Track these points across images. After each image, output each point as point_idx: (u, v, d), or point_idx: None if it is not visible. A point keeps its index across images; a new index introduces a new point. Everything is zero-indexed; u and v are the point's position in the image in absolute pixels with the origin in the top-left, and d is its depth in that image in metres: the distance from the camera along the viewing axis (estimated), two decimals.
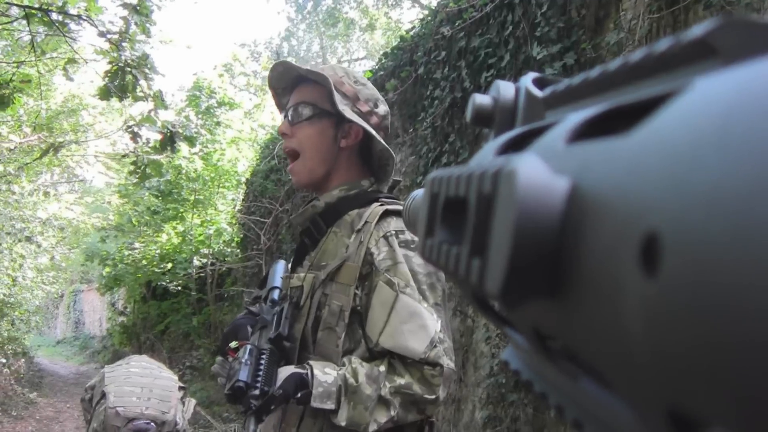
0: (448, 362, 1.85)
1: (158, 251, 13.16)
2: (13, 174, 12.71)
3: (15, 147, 12.58)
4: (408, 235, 1.96)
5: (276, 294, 2.12)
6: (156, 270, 13.07)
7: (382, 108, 2.10)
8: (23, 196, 13.89)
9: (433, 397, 1.85)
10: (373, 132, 2.01)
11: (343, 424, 1.81)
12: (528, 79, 0.41)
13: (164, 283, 13.03)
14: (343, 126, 2.03)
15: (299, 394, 1.78)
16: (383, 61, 6.81)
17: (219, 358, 1.93)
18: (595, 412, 0.26)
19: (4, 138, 12.28)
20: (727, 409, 0.16)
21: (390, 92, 6.14)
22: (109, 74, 5.58)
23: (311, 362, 1.85)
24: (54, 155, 11.86)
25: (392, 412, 1.83)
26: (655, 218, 0.18)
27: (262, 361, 1.81)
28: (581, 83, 0.31)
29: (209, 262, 12.08)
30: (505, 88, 0.42)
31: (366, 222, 1.97)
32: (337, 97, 1.97)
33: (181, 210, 13.03)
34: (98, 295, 22.05)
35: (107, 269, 15.14)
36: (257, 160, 11.51)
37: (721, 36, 0.21)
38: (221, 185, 12.80)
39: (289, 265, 2.26)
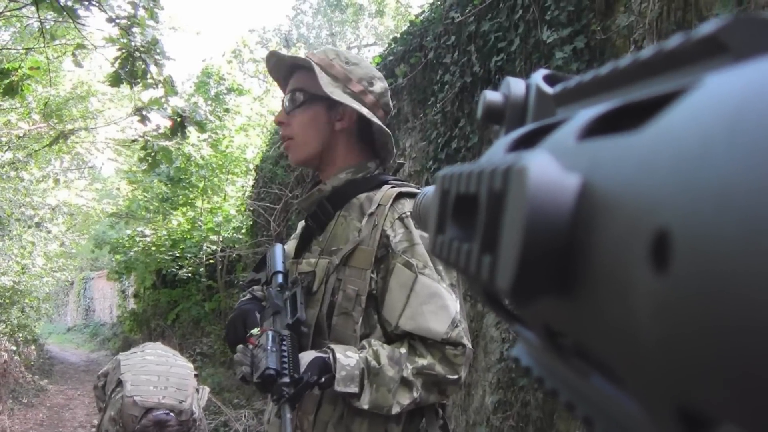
0: (467, 343, 1.85)
1: (168, 238, 13.19)
2: (23, 161, 12.75)
3: (24, 134, 12.60)
4: None
5: (280, 278, 2.09)
6: (166, 257, 13.10)
7: (379, 85, 2.08)
8: (32, 183, 13.92)
9: (456, 377, 1.84)
10: (366, 111, 1.99)
11: (365, 407, 1.81)
12: (538, 76, 0.41)
13: (174, 270, 13.07)
14: (336, 109, 2.03)
15: (323, 379, 1.76)
16: (392, 46, 6.79)
17: (240, 346, 1.89)
18: (606, 409, 0.26)
19: (14, 125, 12.30)
20: (737, 406, 0.16)
21: (400, 77, 6.13)
22: (119, 60, 5.58)
23: (332, 346, 1.84)
24: (64, 142, 11.89)
25: (415, 394, 1.83)
26: (665, 215, 0.18)
27: (285, 347, 1.79)
28: (591, 80, 0.31)
29: (219, 249, 12.10)
30: (516, 85, 0.42)
31: (379, 205, 1.96)
32: (326, 80, 1.96)
33: (191, 197, 13.05)
34: (108, 282, 22.15)
35: (117, 257, 15.19)
36: (266, 146, 11.52)
37: (732, 33, 0.21)
38: (230, 172, 12.81)
39: (286, 247, 2.25)
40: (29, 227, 14.34)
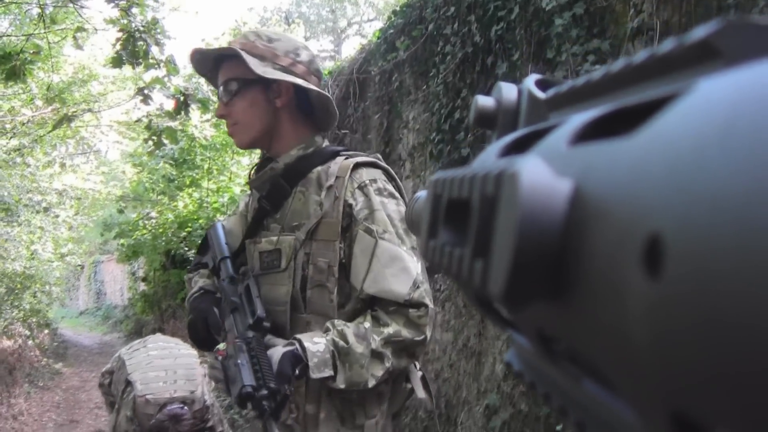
0: (429, 303, 1.90)
1: (175, 220, 13.22)
2: (28, 147, 12.78)
3: (28, 120, 12.62)
4: (381, 183, 2.00)
5: (230, 266, 2.13)
6: (174, 238, 13.14)
7: (305, 54, 2.10)
8: (38, 169, 13.96)
9: (422, 338, 1.89)
10: (301, 81, 2.01)
11: (342, 386, 1.85)
12: (530, 81, 0.41)
13: (183, 251, 13.11)
14: (271, 87, 2.04)
15: (297, 371, 1.79)
16: (393, 19, 6.79)
17: (210, 361, 1.93)
18: (599, 415, 0.26)
19: (17, 112, 12.33)
20: (730, 412, 0.16)
21: (401, 50, 6.14)
22: (120, 41, 5.59)
23: (298, 336, 1.86)
24: (68, 126, 11.89)
25: (387, 364, 1.87)
26: (658, 220, 0.18)
27: (254, 354, 1.81)
28: (584, 85, 0.31)
29: None
30: (508, 90, 0.42)
31: (337, 177, 1.99)
32: (254, 62, 1.98)
33: (197, 177, 13.08)
34: (118, 265, 22.22)
35: (123, 241, 15.25)
36: None
37: (724, 37, 0.21)
38: (235, 152, 12.82)
39: (227, 225, 2.28)
40: (37, 212, 14.37)
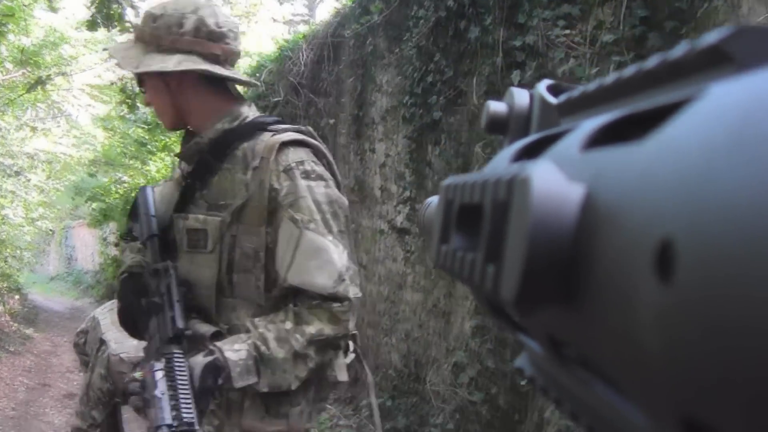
0: (355, 292, 1.88)
1: (147, 183, 13.21)
2: None
3: None
4: (309, 165, 1.94)
5: (156, 248, 2.06)
6: None
7: (190, 22, 1.99)
8: (9, 132, 13.86)
9: (344, 333, 1.88)
10: (172, 64, 1.95)
11: (265, 390, 1.84)
12: (542, 86, 0.41)
13: None
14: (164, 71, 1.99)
15: (220, 382, 1.77)
16: None
17: (131, 384, 1.83)
18: (610, 420, 0.26)
19: None
20: (742, 418, 0.16)
21: (375, 14, 6.16)
22: (94, 4, 5.58)
23: (218, 344, 1.82)
24: (41, 89, 11.84)
25: (310, 364, 1.86)
26: (669, 225, 0.18)
27: (174, 383, 1.74)
28: (595, 90, 0.31)
29: None
30: (520, 96, 0.42)
31: (262, 158, 1.93)
32: (132, 55, 1.99)
33: (169, 141, 13.06)
34: (89, 230, 22.14)
35: (95, 204, 15.21)
36: (244, 89, 11.48)
37: (735, 43, 0.21)
38: None
39: (158, 191, 2.24)
40: (8, 176, 14.31)
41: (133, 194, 13.24)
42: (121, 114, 7.47)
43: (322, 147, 2.05)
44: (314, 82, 7.97)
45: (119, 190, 13.90)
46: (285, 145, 1.95)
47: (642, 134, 0.22)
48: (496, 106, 0.43)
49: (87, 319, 4.19)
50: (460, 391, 4.71)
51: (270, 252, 1.92)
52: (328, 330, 1.84)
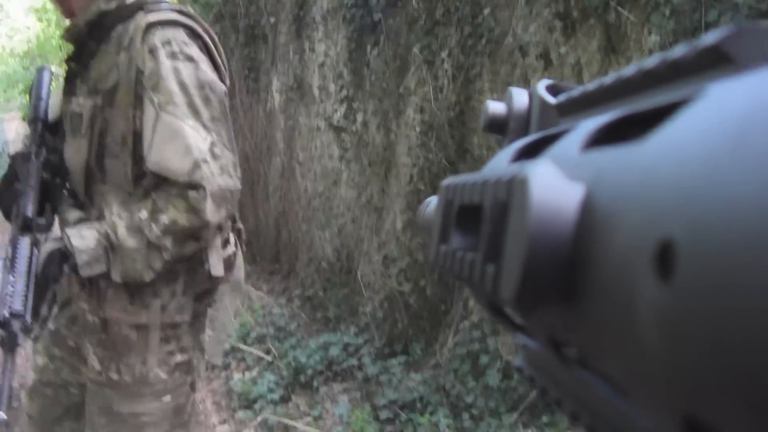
0: (221, 181, 1.81)
1: None
2: None
3: None
4: (177, 46, 1.85)
5: (36, 133, 2.04)
6: None
7: None
8: None
9: (203, 222, 1.80)
10: None
11: (119, 280, 1.81)
12: (541, 86, 0.41)
13: None
14: None
15: (66, 270, 1.76)
16: None
17: None
18: (610, 419, 0.26)
19: None
20: (743, 418, 0.16)
21: None
22: None
23: (68, 231, 1.79)
24: None
25: (166, 256, 1.81)
26: (669, 225, 0.18)
27: (16, 270, 1.73)
28: (595, 90, 0.31)
29: None
30: (519, 95, 0.42)
31: (131, 38, 1.85)
32: None
33: None
34: (22, 123, 21.72)
35: (29, 97, 14.97)
36: None
37: (735, 43, 0.21)
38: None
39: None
40: None
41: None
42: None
43: (199, 28, 1.93)
44: None
45: (53, 83, 13.68)
46: (153, 25, 1.85)
47: (642, 134, 0.22)
48: (495, 107, 0.43)
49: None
50: (389, 282, 4.89)
51: (138, 137, 1.85)
52: (182, 220, 1.78)
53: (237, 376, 4.96)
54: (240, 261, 2.18)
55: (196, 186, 1.76)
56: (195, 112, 1.80)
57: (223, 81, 1.95)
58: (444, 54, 4.51)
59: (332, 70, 6.29)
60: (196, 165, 1.76)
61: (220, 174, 1.80)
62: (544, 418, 3.34)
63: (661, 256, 0.18)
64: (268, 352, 5.10)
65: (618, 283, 0.20)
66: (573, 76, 3.53)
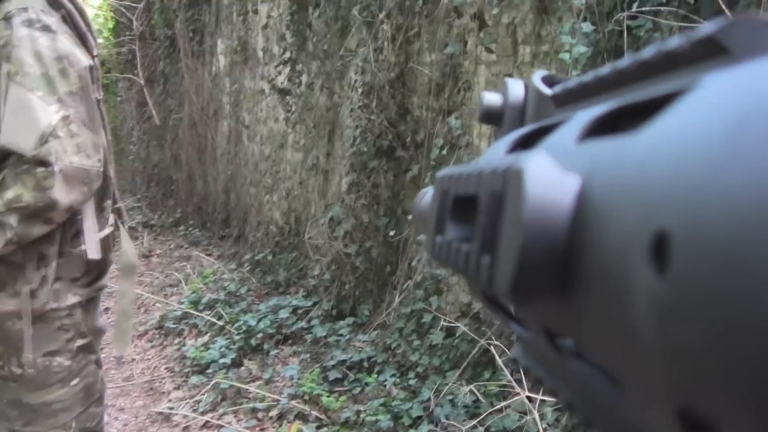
0: (75, 160, 1.72)
1: None
2: None
3: None
4: (33, 14, 1.75)
5: None
6: None
7: None
8: None
9: (49, 202, 1.71)
10: None
11: None
12: (537, 77, 0.40)
13: None
14: None
15: None
16: None
17: None
18: (606, 411, 0.26)
19: None
20: (739, 409, 0.16)
21: None
22: None
23: None
24: None
25: (9, 234, 1.70)
26: (664, 216, 0.18)
27: None
28: (590, 81, 0.31)
29: None
30: (514, 86, 0.42)
31: None
32: None
33: None
34: None
35: None
36: None
37: (730, 34, 0.21)
38: None
39: None
40: None
41: None
42: None
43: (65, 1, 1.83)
44: None
45: None
46: None
47: (637, 125, 0.22)
48: (491, 97, 0.43)
49: None
50: (335, 244, 4.96)
51: None
52: (27, 197, 1.68)
53: (190, 342, 5.00)
54: (126, 243, 2.11)
55: (44, 162, 1.68)
56: (49, 84, 1.70)
57: (92, 55, 1.88)
58: (383, 15, 4.51)
59: (275, 31, 6.29)
60: (42, 139, 1.67)
61: (75, 153, 1.72)
62: (486, 375, 3.42)
63: (656, 247, 0.18)
64: (219, 317, 5.13)
65: (613, 275, 0.20)
66: (507, 35, 3.57)
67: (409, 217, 4.03)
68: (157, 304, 5.76)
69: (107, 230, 1.99)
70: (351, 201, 4.91)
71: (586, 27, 2.81)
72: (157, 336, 5.29)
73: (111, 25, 11.56)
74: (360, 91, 4.79)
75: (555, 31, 3.14)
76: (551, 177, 0.23)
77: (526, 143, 0.35)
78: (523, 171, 0.24)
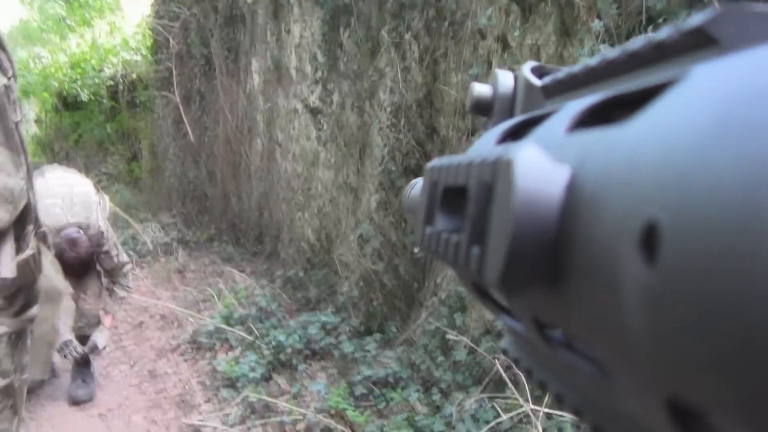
0: None
1: (67, 59, 13.09)
2: None
3: None
4: None
5: None
6: (66, 79, 13.06)
7: None
8: None
9: None
10: None
11: None
12: (527, 68, 0.40)
13: (75, 92, 13.06)
14: None
15: None
16: None
17: None
18: (595, 401, 0.26)
19: None
20: (726, 397, 0.16)
21: None
22: None
23: None
24: None
25: None
26: (654, 207, 0.18)
27: None
28: (580, 72, 0.31)
29: (119, 71, 12.11)
30: (504, 77, 0.42)
31: None
32: None
33: (88, 17, 12.90)
34: None
35: None
36: None
37: (719, 25, 0.21)
38: None
39: None
40: None
41: (52, 70, 13.15)
42: None
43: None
44: None
45: (38, 66, 13.73)
46: None
47: (627, 116, 0.22)
48: (481, 88, 0.43)
49: None
50: (364, 261, 5.00)
51: None
52: None
53: (221, 356, 5.07)
54: (49, 268, 2.05)
55: None
56: None
57: (7, 76, 1.84)
58: (410, 36, 4.58)
59: (307, 51, 6.36)
60: None
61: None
62: (508, 392, 3.46)
63: (645, 238, 0.18)
64: (250, 332, 5.21)
65: (603, 265, 0.20)
66: (531, 56, 3.62)
67: None
68: (190, 319, 5.83)
69: (28, 252, 1.89)
70: (379, 219, 4.93)
71: (605, 49, 2.85)
72: (189, 350, 5.34)
73: (149, 43, 11.75)
74: (388, 110, 4.81)
75: (576, 52, 3.19)
76: (541, 168, 0.24)
77: (515, 134, 0.35)
78: (513, 162, 0.24)
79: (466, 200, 0.29)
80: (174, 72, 9.66)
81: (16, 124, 1.82)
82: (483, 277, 0.25)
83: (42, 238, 2.01)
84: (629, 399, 0.22)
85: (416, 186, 0.55)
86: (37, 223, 1.98)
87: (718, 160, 0.16)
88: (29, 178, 1.84)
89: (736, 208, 0.15)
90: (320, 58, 5.97)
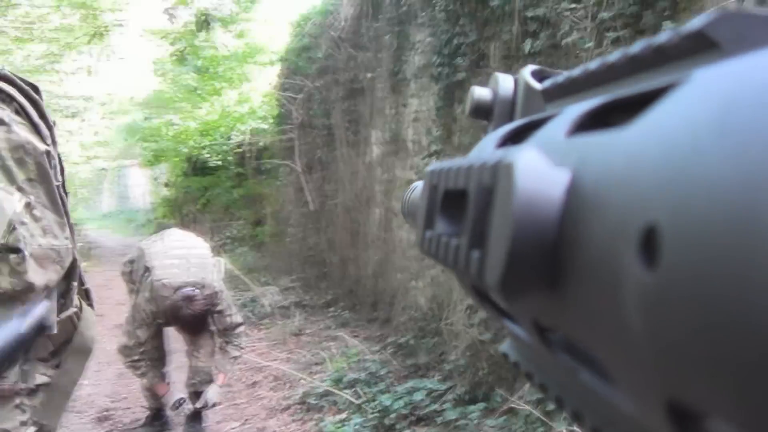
0: (43, 242, 1.77)
1: (197, 126, 13.65)
2: (57, 53, 13.15)
3: (57, 27, 12.95)
4: None
5: None
6: (196, 145, 13.63)
7: None
8: (67, 75, 14.35)
9: (25, 285, 1.73)
10: None
11: None
12: (527, 72, 0.40)
13: (204, 158, 13.61)
14: None
15: None
16: None
17: None
18: (595, 404, 0.26)
19: (46, 19, 12.65)
20: (726, 400, 0.16)
21: None
22: None
23: None
24: (100, 39, 12.22)
25: None
26: (654, 210, 0.18)
27: None
28: (580, 76, 0.31)
29: (247, 138, 12.57)
30: (504, 81, 0.42)
31: None
32: None
33: (219, 87, 13.46)
34: (141, 169, 22.76)
35: (146, 145, 15.77)
36: (291, 38, 11.83)
37: (719, 28, 0.21)
38: (255, 61, 13.18)
39: None
40: (66, 117, 14.79)
41: (183, 136, 13.73)
42: (173, 60, 7.84)
43: (13, 90, 1.86)
44: (355, 36, 8.26)
45: (170, 132, 14.37)
46: None
47: (627, 119, 0.22)
48: (481, 92, 0.43)
49: (133, 249, 4.79)
50: (471, 331, 5.07)
51: None
52: (5, 283, 1.70)
53: (328, 418, 5.18)
54: (89, 323, 2.10)
55: (14, 249, 1.70)
56: (7, 174, 1.74)
57: (46, 143, 1.89)
58: None
59: (424, 125, 6.51)
60: (11, 226, 1.70)
61: (42, 235, 1.77)
62: None
63: (645, 241, 0.18)
64: (358, 396, 5.31)
65: (603, 269, 0.20)
66: None
67: None
68: (302, 381, 5.96)
69: (71, 310, 1.99)
70: None
71: None
72: (299, 411, 5.40)
73: (275, 113, 12.14)
74: None
75: None
76: (541, 171, 0.24)
77: (515, 138, 0.35)
78: (513, 165, 0.24)
79: (466, 204, 0.29)
80: (297, 142, 9.97)
81: (58, 187, 1.91)
82: (483, 280, 0.26)
83: (86, 294, 2.12)
84: (629, 402, 0.22)
85: (416, 190, 0.54)
86: (81, 281, 2.07)
87: (717, 164, 0.16)
88: (73, 238, 1.93)
89: (735, 211, 0.15)
90: (434, 132, 6.13)
